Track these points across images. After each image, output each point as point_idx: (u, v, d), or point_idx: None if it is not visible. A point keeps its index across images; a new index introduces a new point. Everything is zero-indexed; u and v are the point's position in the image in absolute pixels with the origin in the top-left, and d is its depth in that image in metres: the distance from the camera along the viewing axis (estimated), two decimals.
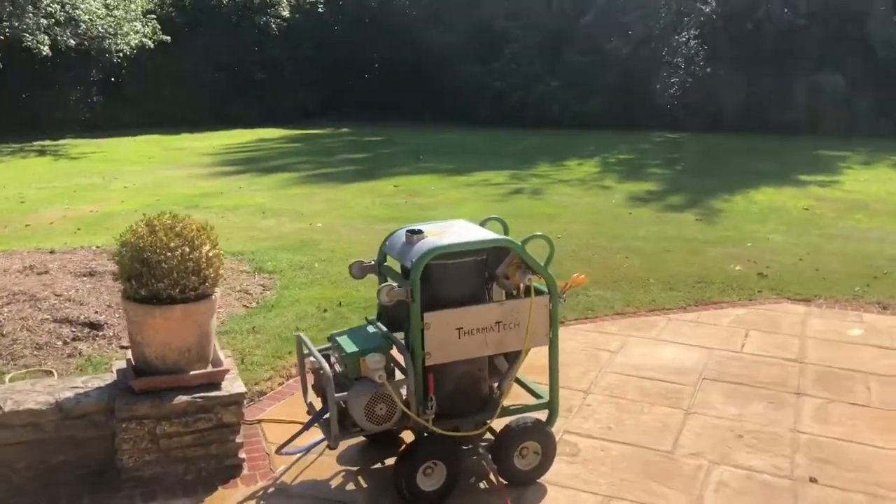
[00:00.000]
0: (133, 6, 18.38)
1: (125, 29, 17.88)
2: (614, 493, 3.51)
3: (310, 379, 3.67)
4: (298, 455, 3.72)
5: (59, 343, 4.86)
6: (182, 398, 3.48)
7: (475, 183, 12.16)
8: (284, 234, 8.35)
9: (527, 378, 3.90)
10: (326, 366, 3.29)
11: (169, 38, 19.28)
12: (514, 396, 3.81)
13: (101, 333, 5.02)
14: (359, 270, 3.70)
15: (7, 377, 4.38)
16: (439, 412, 3.40)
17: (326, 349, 3.59)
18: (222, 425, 3.57)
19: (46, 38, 16.49)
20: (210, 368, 3.63)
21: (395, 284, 3.30)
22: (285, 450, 3.58)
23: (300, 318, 5.61)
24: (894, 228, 9.00)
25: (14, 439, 3.38)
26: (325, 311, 5.77)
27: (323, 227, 8.73)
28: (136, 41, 18.35)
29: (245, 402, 4.31)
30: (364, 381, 3.29)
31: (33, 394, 3.49)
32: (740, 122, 20.45)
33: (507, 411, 3.61)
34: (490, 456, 3.50)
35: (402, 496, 3.31)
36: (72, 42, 17.28)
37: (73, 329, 5.04)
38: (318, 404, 3.56)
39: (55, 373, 4.49)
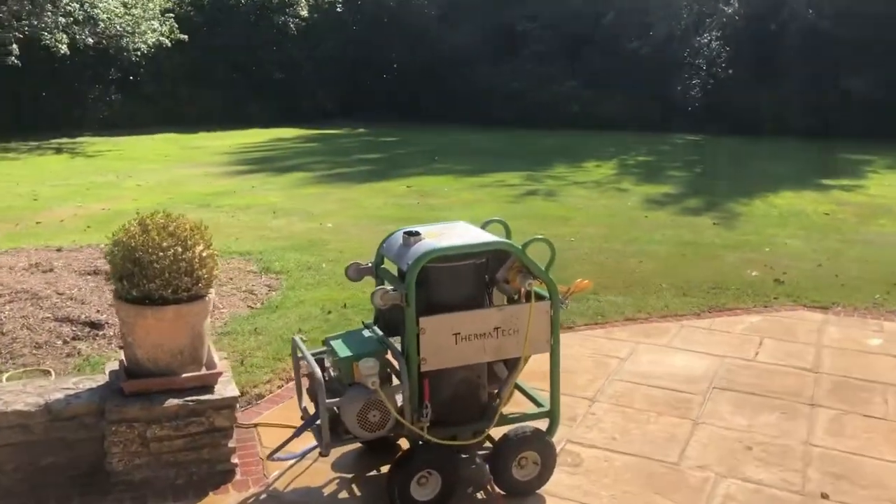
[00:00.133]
0: (151, 5, 18.49)
1: (143, 27, 17.97)
2: None
3: (305, 383, 3.59)
4: (293, 461, 3.63)
5: (59, 342, 4.81)
6: (173, 401, 3.40)
7: (489, 184, 12.04)
8: (294, 234, 8.29)
9: (528, 385, 3.79)
10: (318, 371, 3.20)
11: (186, 36, 19.34)
12: (517, 404, 3.71)
13: (101, 333, 4.97)
14: (355, 272, 3.61)
15: (4, 376, 4.34)
16: (436, 420, 3.30)
17: (321, 353, 3.50)
18: (214, 429, 3.48)
19: (65, 36, 16.60)
20: (204, 371, 3.56)
21: (389, 288, 3.20)
22: (278, 455, 3.50)
23: (303, 319, 5.53)
24: None
25: (2, 441, 3.32)
26: (330, 312, 5.68)
27: (333, 227, 8.66)
28: (154, 40, 18.43)
29: (242, 405, 4.27)
30: (357, 386, 3.19)
31: (23, 395, 3.43)
32: (762, 124, 20.15)
33: (506, 420, 3.50)
34: (487, 466, 3.39)
35: None
36: (90, 41, 17.39)
37: (74, 328, 4.99)
38: (312, 409, 3.47)
39: (53, 372, 4.44)
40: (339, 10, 25.16)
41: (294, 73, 23.56)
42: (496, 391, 3.48)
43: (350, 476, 3.60)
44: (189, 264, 3.42)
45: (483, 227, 3.70)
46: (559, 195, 11.30)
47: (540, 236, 3.46)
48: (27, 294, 5.37)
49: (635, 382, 4.63)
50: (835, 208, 10.36)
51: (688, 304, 6.09)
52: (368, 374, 3.14)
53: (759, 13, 20.99)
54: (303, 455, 3.61)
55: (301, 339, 5.13)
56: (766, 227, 9.11)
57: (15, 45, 15.98)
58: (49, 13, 16.02)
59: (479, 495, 3.44)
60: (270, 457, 3.48)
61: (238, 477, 3.57)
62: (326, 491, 3.48)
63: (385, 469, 3.53)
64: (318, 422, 3.22)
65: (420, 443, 3.28)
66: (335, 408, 3.23)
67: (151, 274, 3.34)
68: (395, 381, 3.35)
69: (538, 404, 3.59)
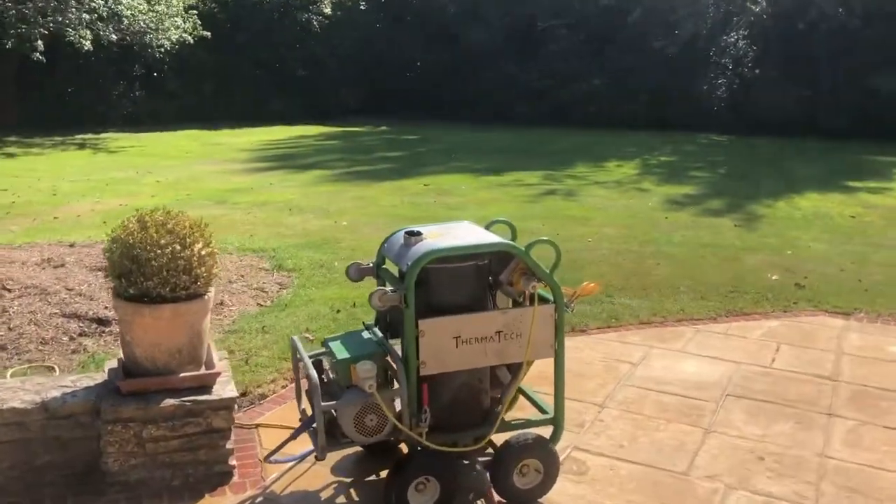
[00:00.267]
0: (174, 1, 18.59)
1: (166, 24, 18.07)
2: None
3: (304, 384, 3.52)
4: (292, 463, 3.57)
5: (65, 338, 4.79)
6: (170, 401, 3.35)
7: (507, 183, 11.94)
8: (309, 232, 8.25)
9: (535, 390, 3.70)
10: (313, 373, 3.13)
11: (209, 33, 19.42)
12: (522, 410, 3.63)
13: (107, 329, 4.95)
14: (356, 272, 3.54)
15: (8, 372, 4.33)
16: (436, 425, 3.22)
17: (320, 354, 3.44)
18: (212, 430, 3.43)
19: (89, 33, 16.73)
20: (202, 371, 3.50)
21: (388, 289, 3.13)
22: (275, 458, 3.43)
23: (312, 318, 5.48)
24: None
25: None
26: (339, 311, 5.63)
27: (348, 224, 8.61)
28: (177, 36, 18.53)
29: (245, 404, 4.22)
30: (354, 389, 3.12)
31: (21, 392, 3.40)
32: (790, 125, 19.84)
33: (508, 426, 3.41)
34: (488, 473, 3.30)
35: None
36: (113, 37, 17.52)
37: (81, 324, 4.98)
38: (311, 412, 3.40)
39: (57, 369, 4.42)
40: (362, 7, 25.18)
41: (317, 70, 23.61)
42: (499, 396, 3.39)
43: (349, 480, 3.53)
44: (187, 262, 3.36)
45: (488, 227, 3.61)
46: (578, 195, 11.17)
47: (545, 238, 3.36)
48: (36, 289, 5.37)
49: (647, 388, 4.52)
50: (861, 211, 10.13)
51: (705, 307, 5.96)
52: (365, 377, 3.07)
53: (788, 12, 20.65)
54: (302, 458, 3.54)
55: (308, 337, 5.12)
56: (788, 230, 8.92)
57: (40, 42, 16.15)
58: (73, 9, 16.17)
59: (481, 503, 3.36)
60: (267, 459, 3.42)
61: (236, 479, 3.51)
62: (324, 495, 3.41)
63: (385, 474, 3.45)
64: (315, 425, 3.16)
65: (419, 448, 3.21)
66: (333, 411, 3.16)
67: (149, 272, 3.29)
68: (397, 385, 3.27)
69: (542, 410, 3.50)
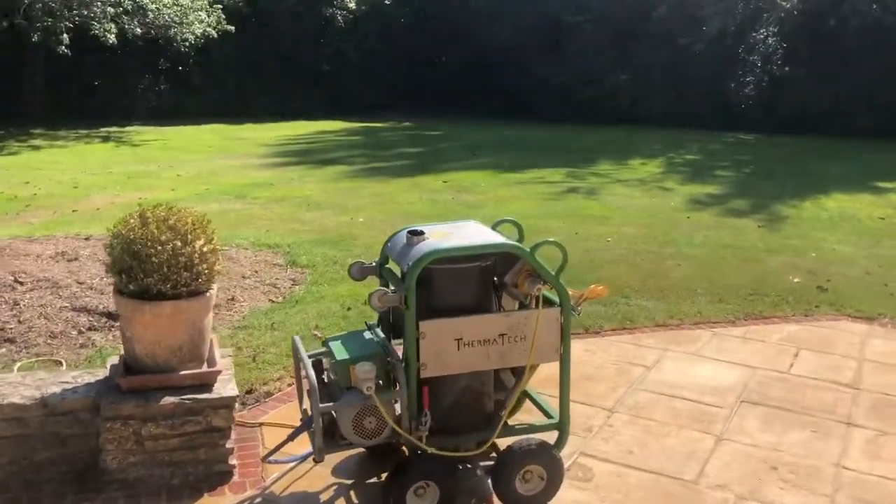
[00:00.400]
0: None
1: (191, 18, 18.15)
2: None
3: (306, 384, 3.46)
4: (292, 464, 3.52)
5: (74, 332, 4.79)
6: (169, 399, 3.32)
7: (528, 181, 11.83)
8: (325, 228, 8.22)
9: (543, 394, 3.62)
10: (312, 374, 3.08)
11: (233, 27, 19.48)
12: (531, 413, 3.55)
13: (116, 324, 4.91)
14: (358, 272, 3.48)
15: (16, 366, 4.33)
16: (437, 428, 3.16)
17: (321, 354, 3.39)
18: (212, 429, 3.39)
19: (114, 26, 16.85)
20: (202, 369, 3.47)
21: (388, 289, 3.06)
22: (274, 458, 3.39)
23: (322, 315, 5.43)
24: None
25: None
26: (349, 309, 5.58)
27: (364, 221, 8.57)
28: (201, 30, 18.60)
29: (250, 402, 4.19)
30: (353, 391, 3.07)
31: (21, 387, 3.38)
32: (820, 124, 19.48)
33: (512, 431, 3.34)
34: (490, 479, 3.23)
35: None
36: (138, 31, 17.64)
37: (91, 318, 4.98)
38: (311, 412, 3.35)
39: (64, 363, 4.42)
40: (386, 2, 25.13)
41: (341, 65, 23.61)
42: (503, 400, 3.32)
43: (350, 482, 3.47)
44: (189, 259, 3.32)
45: (494, 227, 3.53)
46: (600, 193, 11.03)
47: (552, 239, 3.27)
48: (48, 283, 5.38)
49: (659, 393, 4.42)
50: (891, 212, 9.90)
51: (723, 310, 5.83)
52: (364, 378, 3.01)
53: (819, 8, 20.25)
54: (303, 458, 3.49)
55: (316, 335, 5.08)
56: (813, 231, 8.73)
57: (66, 35, 16.29)
58: (99, 3, 16.29)
59: None
60: (266, 459, 3.38)
61: (236, 478, 3.47)
62: (323, 497, 3.36)
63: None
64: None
65: (419, 452, 3.14)
66: (332, 412, 3.11)
67: (149, 268, 3.26)
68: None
69: (548, 415, 3.42)
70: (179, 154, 14.16)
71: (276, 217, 8.72)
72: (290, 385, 4.40)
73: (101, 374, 3.55)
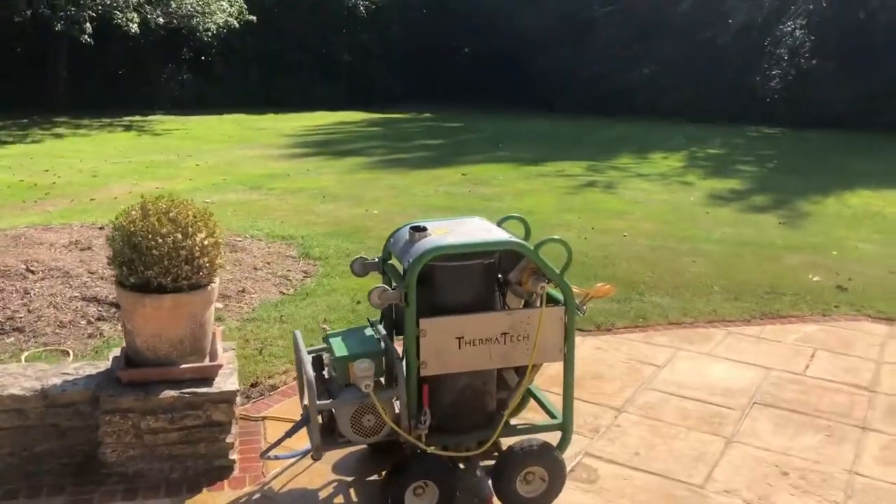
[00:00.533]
0: None
1: (213, 7, 18.19)
2: None
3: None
4: (293, 459, 3.49)
5: (83, 322, 4.79)
6: (169, 393, 3.29)
7: (547, 174, 11.73)
8: (339, 220, 8.19)
9: (545, 395, 3.56)
10: (309, 370, 3.04)
11: (255, 17, 19.50)
12: (537, 412, 3.49)
13: None
14: (360, 268, 3.43)
15: (23, 355, 4.34)
16: (437, 427, 3.11)
17: (321, 349, 3.35)
18: (212, 423, 3.36)
19: (136, 15, 16.93)
20: (203, 363, 3.44)
21: (388, 286, 3.01)
22: (275, 454, 3.36)
23: (331, 308, 5.40)
24: None
25: None
26: (359, 302, 5.54)
27: (379, 213, 8.53)
28: (223, 20, 18.65)
29: (255, 396, 4.16)
30: (352, 388, 3.02)
31: (21, 378, 3.37)
32: (846, 118, 19.18)
33: (515, 431, 3.28)
34: (490, 479, 3.17)
35: None
36: (161, 20, 17.72)
37: (100, 308, 4.98)
38: None
39: (71, 353, 4.42)
40: None
41: (363, 56, 23.59)
42: (505, 399, 3.26)
43: (350, 479, 3.43)
44: (189, 252, 3.29)
45: (499, 223, 3.46)
46: (619, 187, 10.91)
47: (556, 237, 3.20)
48: (60, 272, 5.39)
49: (669, 393, 4.33)
50: None
51: (738, 309, 5.72)
52: (362, 376, 2.96)
53: (848, 1, 19.90)
54: (304, 454, 3.46)
55: (325, 328, 5.04)
56: (835, 229, 8.57)
57: (89, 24, 16.38)
58: None
59: None
60: (264, 455, 3.34)
61: (236, 473, 3.44)
62: (323, 494, 3.32)
63: None
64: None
65: (418, 451, 3.09)
66: (332, 409, 3.07)
67: (150, 261, 3.23)
68: None
69: (552, 415, 3.36)
70: (200, 144, 14.21)
71: (291, 208, 8.71)
72: (295, 379, 4.36)
73: (104, 366, 3.54)
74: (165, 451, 3.33)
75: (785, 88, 21.20)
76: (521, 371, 3.20)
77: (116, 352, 3.59)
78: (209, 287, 3.42)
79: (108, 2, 16.31)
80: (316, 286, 5.93)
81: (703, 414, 4.09)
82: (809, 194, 10.66)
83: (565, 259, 3.19)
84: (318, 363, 3.26)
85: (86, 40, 16.70)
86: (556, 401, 3.42)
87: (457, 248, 3.00)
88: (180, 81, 21.13)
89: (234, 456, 3.46)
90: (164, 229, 3.26)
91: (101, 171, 10.95)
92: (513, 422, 3.55)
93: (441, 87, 25.01)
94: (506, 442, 3.26)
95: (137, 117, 18.32)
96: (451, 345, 3.00)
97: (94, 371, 3.48)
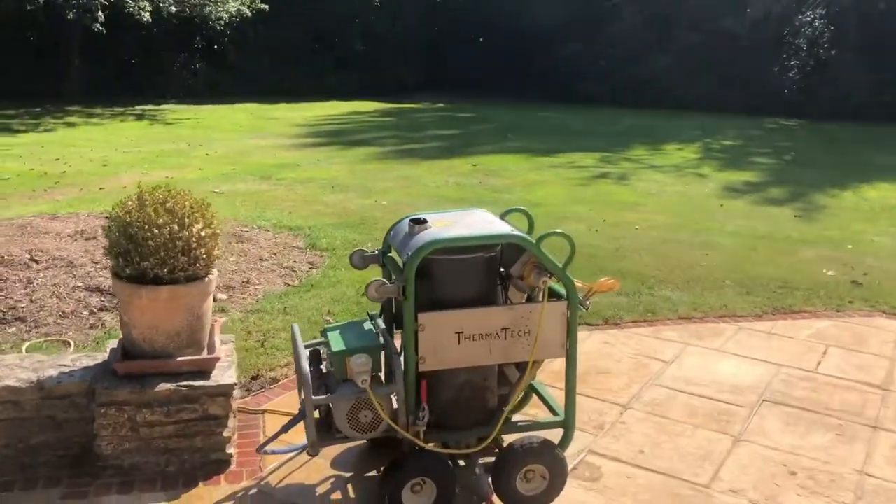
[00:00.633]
0: None
1: None
2: None
3: None
4: (291, 454, 3.44)
5: (86, 312, 4.77)
6: (165, 386, 3.25)
7: (559, 164, 11.62)
8: (347, 211, 8.13)
9: (549, 390, 3.49)
10: (305, 364, 2.99)
11: (266, 6, 19.44)
12: (541, 408, 3.43)
13: None
14: (360, 260, 3.38)
15: (24, 346, 4.31)
16: (437, 423, 3.05)
17: (320, 344, 3.29)
18: (208, 417, 3.32)
19: (148, 3, 16.90)
20: (201, 356, 3.39)
21: (386, 280, 2.95)
22: (270, 448, 3.31)
23: (336, 300, 5.35)
24: None
25: None
26: (364, 294, 5.47)
27: (388, 204, 8.46)
28: (235, 9, 18.59)
29: (255, 388, 4.12)
30: (349, 384, 2.97)
31: (18, 370, 3.34)
32: (867, 110, 18.92)
33: (515, 427, 3.22)
34: (490, 476, 3.11)
35: None
36: (173, 9, 17.69)
37: (103, 298, 4.95)
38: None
39: (72, 344, 4.39)
40: None
41: (376, 45, 23.48)
42: (507, 395, 3.19)
43: (348, 475, 3.38)
44: (186, 243, 3.24)
45: (502, 216, 3.39)
46: (632, 179, 10.79)
47: (558, 230, 3.12)
48: (64, 261, 5.37)
49: (676, 389, 4.25)
50: None
51: (750, 303, 5.62)
52: (359, 371, 2.90)
53: None
54: (301, 449, 3.41)
55: (328, 321, 4.99)
56: (852, 222, 8.43)
57: (101, 13, 16.37)
58: None
59: None
60: (260, 450, 3.29)
61: (233, 467, 3.40)
62: (320, 490, 3.27)
63: None
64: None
65: (416, 448, 3.03)
66: (329, 404, 3.02)
67: (146, 252, 3.18)
68: None
69: (554, 412, 3.29)
70: (211, 133, 14.19)
71: (299, 198, 8.66)
72: (296, 372, 4.33)
73: (101, 357, 3.50)
74: (161, 445, 3.29)
75: (803, 79, 20.93)
76: (522, 367, 3.13)
77: (114, 343, 3.55)
78: (206, 279, 3.37)
79: None
80: (321, 278, 5.88)
81: (711, 411, 4.01)
82: (826, 187, 10.50)
83: (569, 253, 3.11)
84: (315, 357, 3.20)
85: (98, 29, 16.70)
86: (559, 397, 3.35)
87: (456, 241, 2.93)
88: (193, 70, 21.11)
89: (231, 450, 3.41)
90: (161, 220, 3.21)
91: (111, 160, 10.95)
92: (514, 418, 3.50)
93: (454, 77, 24.85)
94: (507, 439, 3.20)
95: (150, 106, 18.33)
96: (450, 340, 2.93)
97: (91, 363, 3.44)
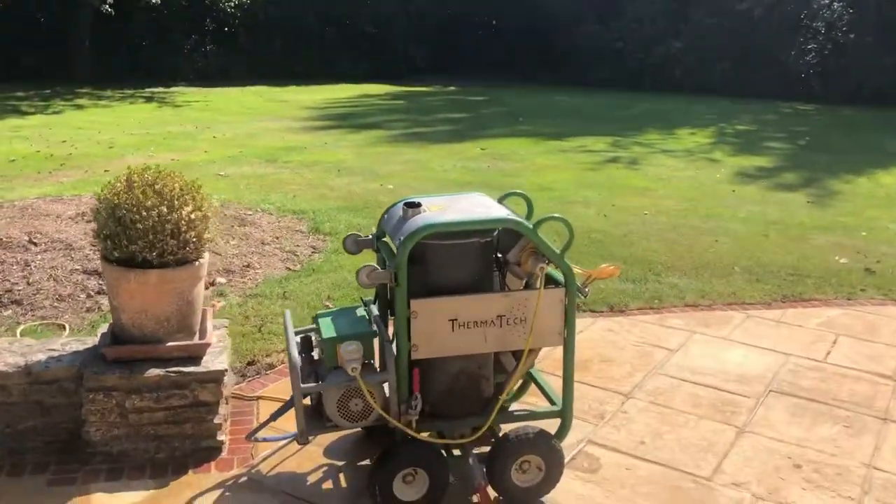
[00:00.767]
0: None
1: None
2: None
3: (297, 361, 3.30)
4: (283, 442, 3.38)
5: (83, 296, 4.71)
6: (154, 371, 3.19)
7: (570, 149, 11.48)
8: (352, 194, 8.04)
9: (548, 379, 3.41)
10: (294, 351, 2.91)
11: None
12: (539, 397, 3.34)
13: None
14: (353, 245, 3.29)
15: (18, 329, 4.27)
16: (431, 413, 2.98)
17: (311, 330, 3.22)
18: (199, 403, 3.26)
19: None
20: (191, 341, 3.32)
21: (378, 265, 2.86)
22: (261, 436, 3.24)
23: (337, 286, 5.27)
24: None
25: None
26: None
27: (393, 188, 8.37)
28: None
29: (251, 374, 4.06)
30: (339, 371, 2.89)
31: (6, 354, 3.29)
32: (884, 94, 18.62)
33: (511, 417, 3.14)
34: (484, 467, 3.03)
35: None
36: None
37: (100, 282, 4.89)
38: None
39: (67, 327, 4.34)
40: None
41: (387, 28, 23.28)
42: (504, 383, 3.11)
43: (341, 464, 3.31)
44: (175, 226, 3.17)
45: (501, 200, 3.29)
46: (643, 164, 10.64)
47: (557, 215, 3.02)
48: (62, 244, 5.32)
49: (680, 378, 4.16)
50: None
51: (759, 291, 5.50)
52: (350, 358, 2.82)
53: None
54: (293, 437, 3.33)
55: (328, 306, 4.92)
56: (867, 209, 8.26)
57: None
58: None
59: (477, 498, 3.10)
60: (249, 437, 3.23)
61: (224, 455, 3.34)
62: (311, 479, 3.21)
63: None
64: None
65: (409, 437, 2.96)
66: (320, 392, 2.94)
67: (134, 235, 3.11)
68: None
69: (552, 401, 3.20)
70: (219, 116, 14.12)
71: (305, 182, 8.58)
72: None
73: (91, 342, 3.44)
74: (151, 431, 3.24)
75: (821, 63, 20.59)
76: (519, 355, 3.04)
77: (105, 328, 3.49)
78: (197, 263, 3.29)
79: None
80: (323, 262, 5.81)
81: (716, 401, 3.91)
82: (841, 173, 10.31)
83: (567, 238, 3.01)
84: (307, 344, 3.13)
85: (107, 10, 16.65)
86: (559, 385, 3.26)
87: (451, 225, 2.83)
88: (203, 53, 21.02)
89: (222, 437, 3.35)
90: (149, 202, 3.13)
91: (118, 142, 10.90)
92: (512, 407, 3.42)
93: (466, 60, 24.63)
94: (504, 429, 3.12)
95: (160, 89, 18.27)
96: (443, 327, 2.85)
97: (81, 347, 3.38)
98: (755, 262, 6.17)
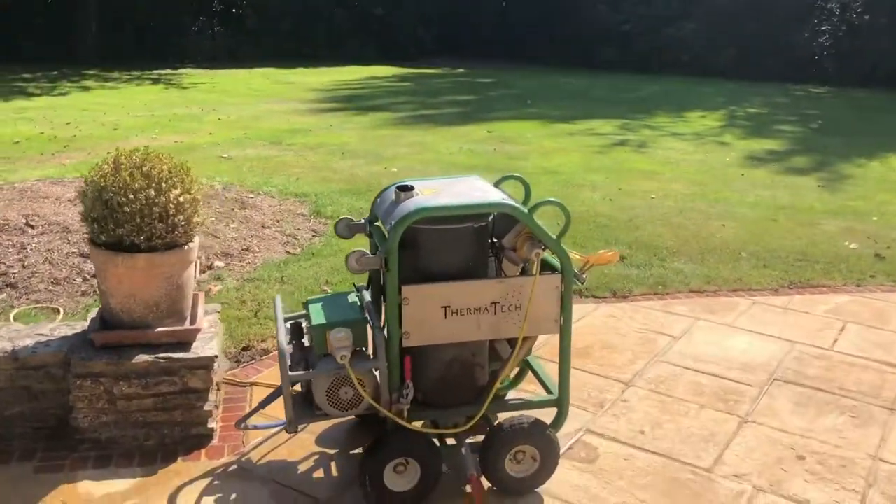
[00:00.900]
0: None
1: None
2: None
3: (289, 349, 3.23)
4: (274, 430, 3.32)
5: (78, 279, 4.66)
6: (143, 357, 3.13)
7: (577, 132, 11.34)
8: (355, 178, 7.96)
9: (543, 368, 3.33)
10: (282, 338, 2.85)
11: None
12: (537, 385, 3.27)
13: None
14: (345, 229, 3.21)
15: (12, 313, 4.22)
16: (423, 401, 2.91)
17: (301, 316, 3.15)
18: (188, 390, 3.20)
19: None
20: (181, 327, 3.26)
21: (368, 251, 2.78)
22: (251, 423, 3.17)
23: (336, 270, 5.20)
24: None
25: None
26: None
27: (398, 171, 8.27)
28: None
29: (245, 360, 4.00)
30: (329, 359, 2.82)
31: None
32: None
33: (506, 406, 3.07)
34: (478, 457, 2.97)
35: (366, 495, 2.84)
36: None
37: None
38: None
39: (62, 311, 4.29)
40: None
41: (395, 9, 23.09)
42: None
43: (333, 452, 3.25)
44: (163, 209, 3.09)
45: (497, 184, 3.20)
46: (651, 147, 10.50)
47: (553, 199, 2.93)
48: (59, 227, 5.26)
49: (683, 366, 4.07)
50: None
51: (766, 277, 5.40)
52: (339, 346, 2.75)
53: None
54: (279, 427, 3.27)
55: (326, 290, 4.85)
56: (878, 193, 8.11)
57: None
58: None
59: (468, 488, 3.03)
60: (238, 425, 3.16)
61: (215, 442, 3.28)
62: (302, 468, 3.15)
63: None
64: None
65: (401, 426, 2.89)
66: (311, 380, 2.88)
67: (121, 218, 3.05)
68: None
69: (548, 390, 3.12)
70: (226, 97, 14.04)
71: (308, 165, 8.50)
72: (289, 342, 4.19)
73: (81, 327, 3.38)
74: (140, 418, 3.18)
75: (835, 45, 20.30)
76: (514, 343, 2.97)
77: (94, 313, 3.43)
78: (186, 247, 3.22)
79: None
80: (323, 246, 5.74)
81: (718, 390, 3.83)
82: (853, 156, 10.15)
83: (564, 223, 2.92)
84: (297, 330, 3.06)
85: None
86: (556, 373, 3.19)
87: (443, 209, 2.74)
88: (211, 34, 20.91)
89: (212, 424, 3.30)
90: (137, 184, 3.06)
91: (122, 124, 10.84)
92: (508, 396, 3.35)
93: (475, 42, 24.42)
94: (500, 418, 3.05)
95: (167, 71, 18.19)
96: (435, 314, 2.77)
97: (69, 332, 3.33)
98: (763, 247, 6.06)
